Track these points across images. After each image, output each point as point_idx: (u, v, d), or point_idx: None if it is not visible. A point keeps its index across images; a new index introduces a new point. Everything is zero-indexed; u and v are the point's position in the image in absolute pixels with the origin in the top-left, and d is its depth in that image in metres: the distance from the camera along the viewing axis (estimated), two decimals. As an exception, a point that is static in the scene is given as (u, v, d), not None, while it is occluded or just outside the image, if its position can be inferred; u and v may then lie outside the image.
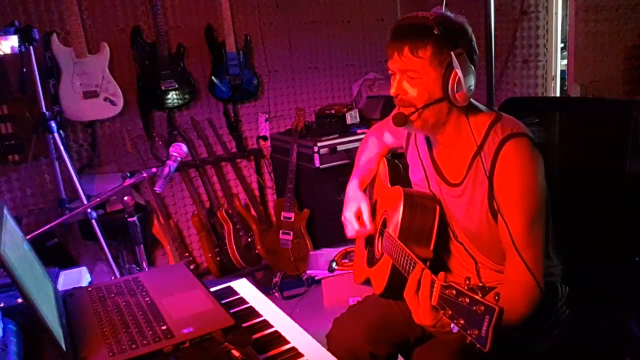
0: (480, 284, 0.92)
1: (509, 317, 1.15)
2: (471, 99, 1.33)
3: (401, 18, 1.32)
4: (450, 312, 0.96)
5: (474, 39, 1.30)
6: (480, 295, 0.90)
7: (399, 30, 1.28)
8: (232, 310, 1.18)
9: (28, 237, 1.24)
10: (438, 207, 1.38)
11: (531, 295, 1.20)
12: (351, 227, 1.60)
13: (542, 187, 1.26)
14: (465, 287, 0.94)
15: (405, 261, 1.25)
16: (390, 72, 1.33)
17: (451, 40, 1.23)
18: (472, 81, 1.27)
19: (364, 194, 1.66)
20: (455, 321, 0.94)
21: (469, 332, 0.91)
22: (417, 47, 1.24)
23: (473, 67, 1.28)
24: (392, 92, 1.32)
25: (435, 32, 1.23)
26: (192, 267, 3.25)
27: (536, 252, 1.23)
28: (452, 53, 1.22)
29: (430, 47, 1.24)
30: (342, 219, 1.64)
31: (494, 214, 1.28)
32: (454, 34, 1.25)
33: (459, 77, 1.23)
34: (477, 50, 1.31)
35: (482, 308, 0.89)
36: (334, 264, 2.84)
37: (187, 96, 3.16)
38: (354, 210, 1.60)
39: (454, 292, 0.95)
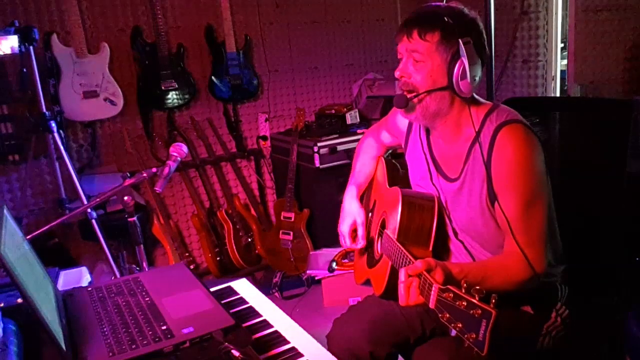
0: (478, 287, 0.92)
1: (498, 283, 1.19)
2: (474, 94, 1.34)
3: (416, 8, 1.35)
4: (447, 316, 0.96)
5: (484, 35, 1.33)
6: (477, 298, 0.91)
7: (412, 16, 1.32)
8: (232, 310, 1.18)
9: (28, 237, 1.23)
10: (436, 206, 1.39)
11: (526, 268, 1.22)
12: (344, 241, 1.63)
13: (540, 172, 1.27)
14: (463, 290, 0.94)
15: (403, 263, 1.25)
16: (399, 56, 1.34)
17: (460, 30, 1.26)
18: (477, 72, 1.29)
19: (361, 205, 1.66)
20: (453, 325, 0.94)
21: (466, 336, 0.91)
22: (426, 31, 1.27)
23: (480, 60, 1.29)
24: (397, 74, 1.33)
25: (445, 20, 1.25)
26: (192, 267, 3.25)
27: (533, 235, 1.24)
28: (459, 40, 1.24)
29: (439, 33, 1.26)
30: (338, 230, 1.65)
31: (492, 201, 1.29)
32: (464, 24, 1.27)
33: (464, 66, 1.24)
34: (486, 47, 1.33)
35: (479, 312, 0.89)
36: (334, 264, 2.83)
37: (187, 96, 3.16)
38: (350, 224, 1.62)
39: (452, 295, 0.95)
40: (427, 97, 1.30)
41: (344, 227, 1.63)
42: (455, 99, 1.31)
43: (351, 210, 1.65)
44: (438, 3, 1.33)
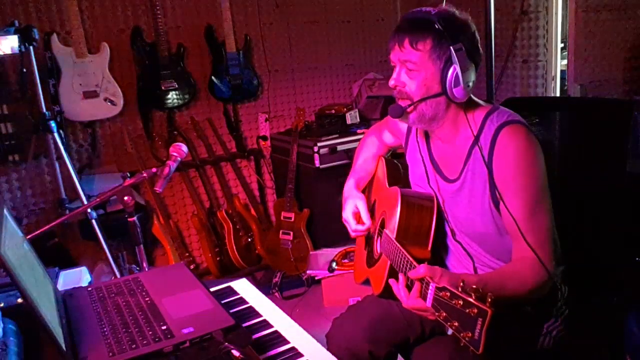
0: (474, 286, 0.92)
1: (515, 290, 1.18)
2: (471, 95, 1.34)
3: (407, 13, 1.34)
4: (444, 315, 0.96)
5: (477, 37, 1.32)
6: (473, 297, 0.91)
7: (402, 24, 1.31)
8: (232, 310, 1.18)
9: (28, 237, 1.23)
10: (435, 206, 1.39)
11: (539, 271, 1.21)
12: (349, 226, 1.60)
13: (542, 171, 1.27)
14: (460, 289, 0.94)
15: (402, 262, 1.25)
16: (391, 64, 1.35)
17: (452, 36, 1.25)
18: (470, 77, 1.28)
19: (361, 193, 1.66)
20: (449, 324, 0.95)
21: (462, 334, 0.91)
22: (417, 40, 1.26)
23: (474, 64, 1.29)
24: (391, 83, 1.34)
25: (436, 27, 1.24)
26: (192, 267, 3.25)
27: (541, 236, 1.24)
28: (451, 48, 1.23)
29: (430, 41, 1.26)
30: (342, 219, 1.64)
31: (495, 203, 1.29)
32: (455, 29, 1.26)
33: (457, 73, 1.24)
34: (479, 48, 1.32)
35: (475, 311, 0.89)
36: (334, 264, 2.84)
37: (187, 96, 3.16)
38: (352, 210, 1.61)
39: (448, 294, 0.96)
40: (422, 104, 1.31)
41: (347, 213, 1.61)
42: (451, 103, 1.31)
43: (351, 196, 1.64)
44: (428, 8, 1.31)
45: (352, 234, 1.61)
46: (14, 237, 1.05)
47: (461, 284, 0.94)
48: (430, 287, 1.01)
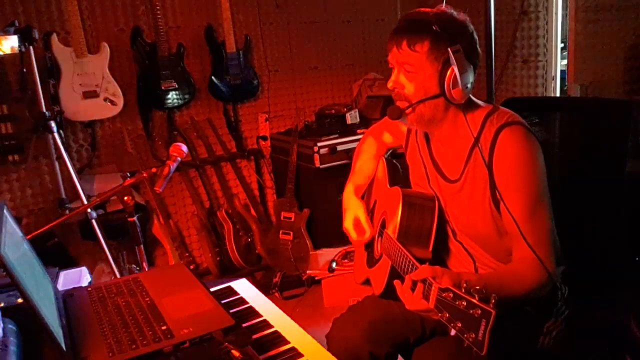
0: (478, 287, 0.92)
1: (514, 291, 1.18)
2: (471, 96, 1.34)
3: (405, 14, 1.34)
4: (447, 316, 0.96)
5: (475, 38, 1.31)
6: (477, 298, 0.91)
7: (400, 25, 1.31)
8: (232, 310, 1.18)
9: (28, 237, 1.23)
10: (437, 206, 1.39)
11: (539, 271, 1.21)
12: (350, 236, 1.61)
13: (542, 172, 1.27)
14: (463, 290, 0.94)
15: (403, 263, 1.25)
16: (390, 65, 1.35)
17: (449, 37, 1.25)
18: (469, 79, 1.28)
19: (361, 200, 1.66)
20: (452, 324, 0.94)
21: (465, 335, 0.91)
22: (415, 42, 1.26)
23: (472, 65, 1.29)
24: (390, 85, 1.34)
25: (434, 28, 1.24)
26: (192, 267, 3.25)
27: (541, 236, 1.24)
28: (449, 49, 1.23)
29: (428, 43, 1.26)
30: (343, 229, 1.65)
31: (496, 204, 1.29)
32: (453, 30, 1.26)
33: (455, 74, 1.24)
34: (478, 49, 1.32)
35: (479, 312, 0.89)
36: (334, 264, 2.84)
37: (187, 96, 3.16)
38: (352, 219, 1.61)
39: (451, 294, 0.96)
40: (420, 106, 1.31)
41: (347, 223, 1.62)
42: (450, 104, 1.31)
43: (350, 205, 1.65)
44: (426, 9, 1.31)
45: (354, 245, 1.62)
46: (14, 237, 1.05)
47: (464, 284, 0.94)
48: (433, 288, 1.01)
